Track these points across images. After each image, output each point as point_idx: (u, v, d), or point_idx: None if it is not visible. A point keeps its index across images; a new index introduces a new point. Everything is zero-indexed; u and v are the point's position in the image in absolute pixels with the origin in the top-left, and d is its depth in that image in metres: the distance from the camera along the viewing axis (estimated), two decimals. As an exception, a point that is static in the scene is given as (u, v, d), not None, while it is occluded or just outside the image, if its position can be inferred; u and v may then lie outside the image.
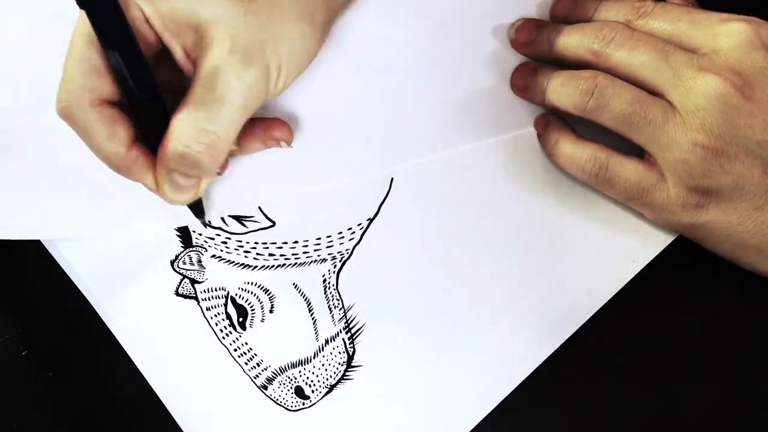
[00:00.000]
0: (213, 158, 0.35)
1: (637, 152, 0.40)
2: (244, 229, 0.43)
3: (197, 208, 0.41)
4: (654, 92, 0.38)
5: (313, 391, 0.41)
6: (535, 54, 0.43)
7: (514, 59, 0.43)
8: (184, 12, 0.35)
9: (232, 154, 0.41)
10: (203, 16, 0.35)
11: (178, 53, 0.36)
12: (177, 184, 0.36)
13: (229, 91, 0.35)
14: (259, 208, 0.43)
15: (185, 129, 0.35)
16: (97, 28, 0.34)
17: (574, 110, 0.40)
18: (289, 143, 0.41)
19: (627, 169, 0.39)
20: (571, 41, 0.41)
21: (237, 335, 0.41)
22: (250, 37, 0.35)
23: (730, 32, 0.37)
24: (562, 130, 0.42)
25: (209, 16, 0.35)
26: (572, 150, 0.41)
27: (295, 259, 0.42)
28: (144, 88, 0.36)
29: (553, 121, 0.42)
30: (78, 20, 0.35)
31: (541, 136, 0.43)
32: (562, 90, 0.40)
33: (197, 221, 0.42)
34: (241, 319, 0.42)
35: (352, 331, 0.41)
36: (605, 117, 0.39)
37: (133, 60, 0.35)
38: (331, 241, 0.42)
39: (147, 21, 0.35)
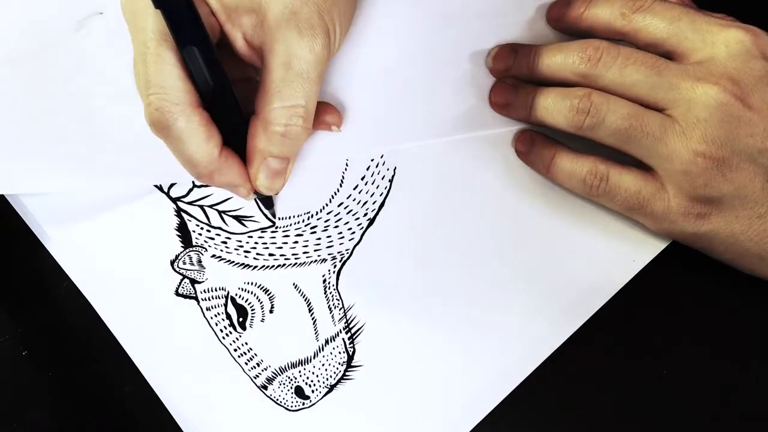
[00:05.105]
0: (308, 131, 0.37)
1: (634, 162, 0.39)
2: (244, 229, 0.43)
3: (268, 200, 0.42)
4: (651, 107, 0.38)
5: (313, 391, 0.41)
6: (516, 77, 0.42)
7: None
8: None
9: None
10: None
11: (239, 41, 0.37)
12: (273, 170, 0.38)
13: (305, 64, 0.36)
14: (259, 208, 0.43)
15: (281, 110, 0.36)
16: (174, 27, 0.34)
17: (569, 128, 0.39)
18: (338, 127, 0.42)
19: (626, 179, 0.39)
20: (554, 63, 0.40)
21: (237, 335, 0.41)
22: (309, 8, 0.36)
23: (728, 40, 0.37)
24: (555, 146, 0.41)
25: None
26: (571, 165, 0.40)
27: (295, 259, 0.42)
28: (222, 85, 0.36)
29: (538, 138, 0.42)
30: (147, 27, 0.35)
31: (526, 154, 0.42)
32: (555, 108, 0.39)
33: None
34: (241, 319, 0.42)
35: (352, 331, 0.41)
36: (602, 134, 0.38)
37: (210, 57, 0.35)
38: (331, 241, 0.42)
39: (212, 14, 0.36)
